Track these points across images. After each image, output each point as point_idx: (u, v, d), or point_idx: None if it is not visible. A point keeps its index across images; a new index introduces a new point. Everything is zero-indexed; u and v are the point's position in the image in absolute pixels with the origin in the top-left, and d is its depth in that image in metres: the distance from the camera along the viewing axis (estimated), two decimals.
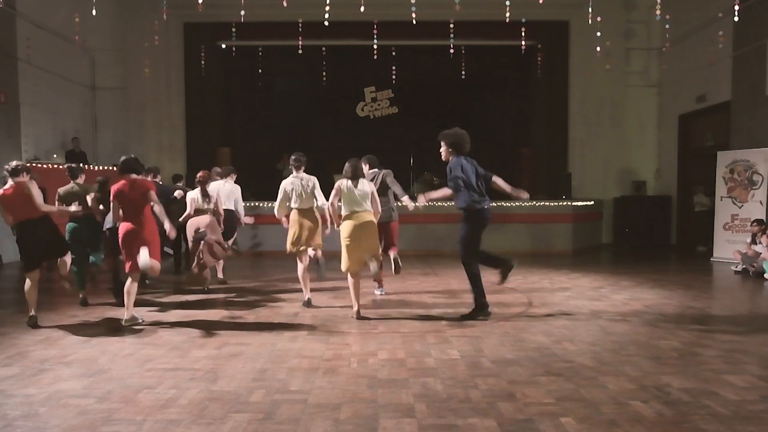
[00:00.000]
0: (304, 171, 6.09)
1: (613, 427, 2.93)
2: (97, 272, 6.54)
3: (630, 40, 13.07)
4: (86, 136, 12.64)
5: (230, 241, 7.43)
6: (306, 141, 15.44)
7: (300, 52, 12.31)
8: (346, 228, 5.37)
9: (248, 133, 14.98)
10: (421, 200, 5.48)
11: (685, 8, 11.58)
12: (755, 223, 8.63)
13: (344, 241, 5.37)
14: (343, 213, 5.46)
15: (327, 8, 8.66)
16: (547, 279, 7.91)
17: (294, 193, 5.93)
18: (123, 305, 5.31)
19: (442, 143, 5.49)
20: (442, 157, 5.51)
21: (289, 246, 5.96)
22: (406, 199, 6.35)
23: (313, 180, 6.04)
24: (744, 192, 9.60)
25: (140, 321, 5.26)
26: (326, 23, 9.20)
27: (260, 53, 13.80)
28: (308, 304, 6.00)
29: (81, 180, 6.38)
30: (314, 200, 5.95)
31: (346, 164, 5.53)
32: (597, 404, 3.23)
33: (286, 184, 6.03)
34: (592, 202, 12.36)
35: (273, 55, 14.09)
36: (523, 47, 12.19)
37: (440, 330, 4.96)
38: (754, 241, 8.45)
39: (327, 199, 5.75)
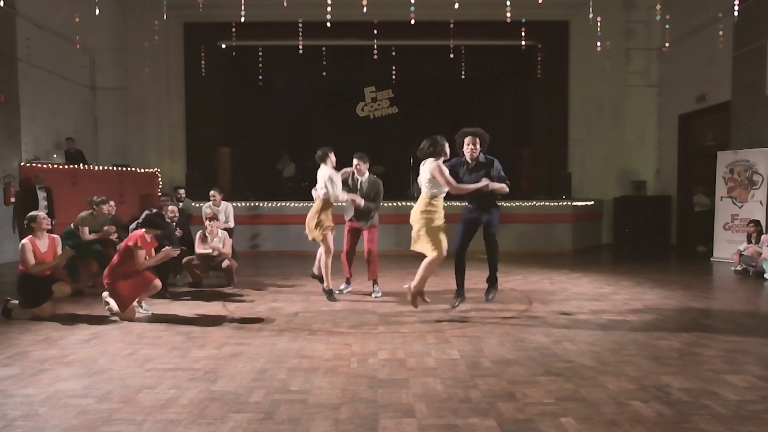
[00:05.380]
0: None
1: (613, 427, 2.93)
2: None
3: (630, 40, 13.07)
4: (86, 136, 12.64)
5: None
6: (306, 141, 15.43)
7: (300, 52, 12.30)
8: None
9: (248, 133, 14.98)
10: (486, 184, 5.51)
11: (685, 8, 11.59)
12: (751, 224, 8.65)
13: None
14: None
15: (329, 9, 8.65)
16: (547, 279, 7.91)
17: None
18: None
19: (478, 140, 5.69)
20: (471, 154, 5.69)
21: None
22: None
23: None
24: (744, 192, 9.61)
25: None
26: (329, 24, 9.21)
27: (260, 53, 13.80)
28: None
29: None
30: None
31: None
32: (597, 404, 3.23)
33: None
34: (592, 202, 12.36)
35: (273, 55, 14.09)
36: (523, 47, 12.19)
37: (440, 330, 4.95)
38: (749, 241, 8.47)
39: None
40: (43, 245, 5.62)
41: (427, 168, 5.24)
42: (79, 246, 7.03)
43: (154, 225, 5.75)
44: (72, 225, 7.15)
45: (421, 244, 5.30)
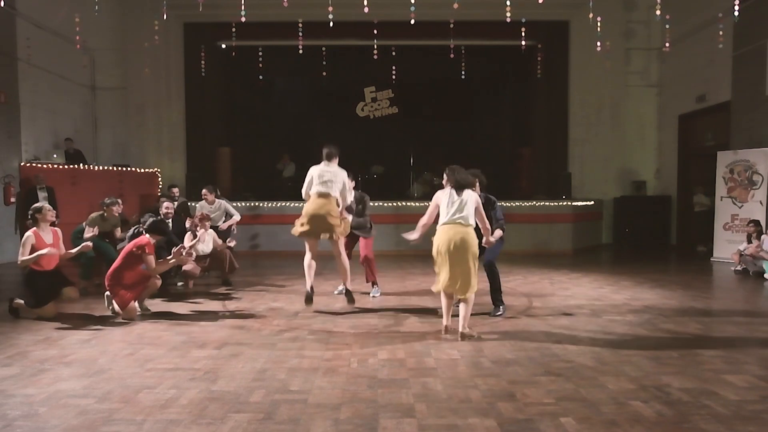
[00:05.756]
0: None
1: (613, 427, 2.93)
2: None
3: (630, 40, 13.07)
4: (86, 136, 12.64)
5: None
6: (306, 141, 15.45)
7: (300, 52, 12.30)
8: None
9: (248, 133, 14.99)
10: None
11: (685, 8, 11.59)
12: (751, 224, 8.65)
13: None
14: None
15: (330, 9, 8.65)
16: (547, 279, 7.91)
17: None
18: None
19: (476, 181, 5.30)
20: None
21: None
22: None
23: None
24: (744, 192, 9.61)
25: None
26: (330, 24, 9.20)
27: (260, 53, 13.79)
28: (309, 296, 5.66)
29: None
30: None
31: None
32: (597, 404, 3.23)
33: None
34: (592, 202, 12.36)
35: (273, 55, 14.08)
36: (523, 47, 12.18)
37: (440, 330, 4.95)
38: (749, 241, 8.47)
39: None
40: (47, 238, 5.60)
41: (474, 200, 4.82)
42: (96, 248, 7.06)
43: (160, 231, 5.85)
44: (84, 224, 7.19)
45: (467, 281, 4.69)
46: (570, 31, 12.94)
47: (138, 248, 5.55)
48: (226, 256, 7.39)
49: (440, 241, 4.72)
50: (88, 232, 7.06)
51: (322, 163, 5.95)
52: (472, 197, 4.82)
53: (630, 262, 9.84)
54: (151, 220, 6.03)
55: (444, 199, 4.84)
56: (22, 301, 5.54)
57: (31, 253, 5.41)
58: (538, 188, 13.10)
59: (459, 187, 4.83)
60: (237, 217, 8.33)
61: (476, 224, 4.89)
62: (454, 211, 4.74)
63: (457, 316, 4.78)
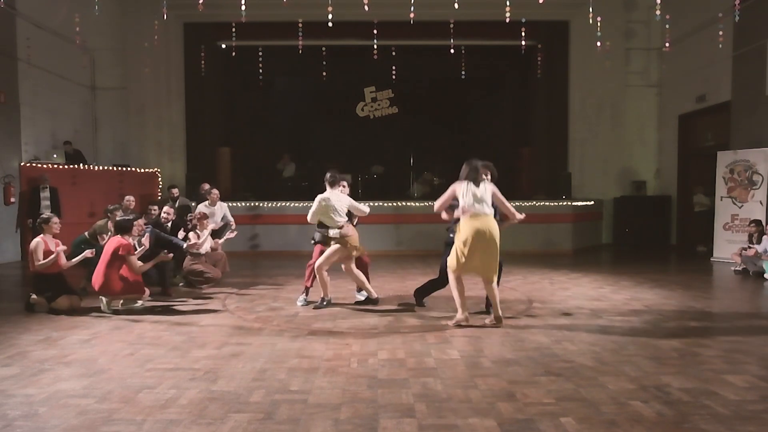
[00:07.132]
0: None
1: (613, 427, 2.93)
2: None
3: (630, 40, 13.08)
4: (86, 136, 12.64)
5: None
6: (306, 141, 15.48)
7: (300, 52, 12.30)
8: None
9: (248, 133, 14.98)
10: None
11: (685, 8, 11.59)
12: (752, 224, 8.65)
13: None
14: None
15: (329, 8, 8.65)
16: (547, 279, 7.91)
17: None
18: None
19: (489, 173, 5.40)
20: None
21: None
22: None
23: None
24: (744, 192, 9.61)
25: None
26: (330, 24, 9.20)
27: (260, 53, 13.79)
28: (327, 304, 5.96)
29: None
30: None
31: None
32: (597, 404, 3.23)
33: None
34: (592, 202, 12.37)
35: (273, 55, 14.08)
36: (523, 47, 12.19)
37: (440, 330, 4.96)
38: (751, 242, 8.47)
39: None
40: (52, 245, 5.80)
41: (491, 189, 5.05)
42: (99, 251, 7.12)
43: (123, 230, 5.99)
44: (87, 234, 7.27)
45: (492, 269, 5.02)
46: (570, 31, 12.95)
47: (118, 250, 5.77)
48: (222, 257, 7.40)
49: (468, 232, 4.90)
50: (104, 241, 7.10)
51: (328, 192, 5.87)
52: (488, 187, 5.06)
53: (630, 262, 9.84)
54: (117, 219, 6.25)
55: (462, 190, 5.01)
56: (40, 298, 5.72)
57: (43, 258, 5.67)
58: (538, 188, 13.10)
59: (474, 179, 5.02)
60: (233, 224, 8.57)
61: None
62: (476, 201, 4.94)
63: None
